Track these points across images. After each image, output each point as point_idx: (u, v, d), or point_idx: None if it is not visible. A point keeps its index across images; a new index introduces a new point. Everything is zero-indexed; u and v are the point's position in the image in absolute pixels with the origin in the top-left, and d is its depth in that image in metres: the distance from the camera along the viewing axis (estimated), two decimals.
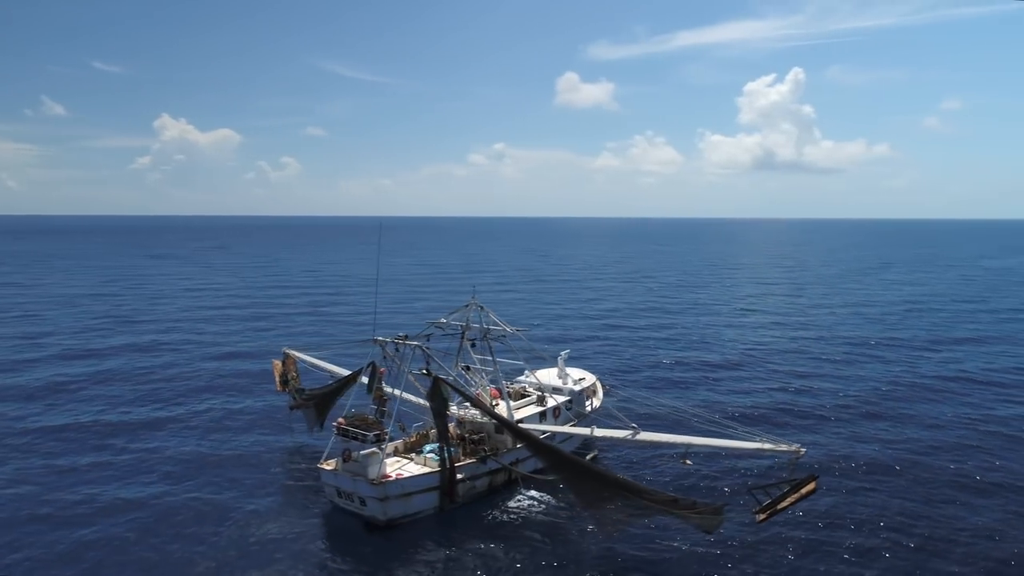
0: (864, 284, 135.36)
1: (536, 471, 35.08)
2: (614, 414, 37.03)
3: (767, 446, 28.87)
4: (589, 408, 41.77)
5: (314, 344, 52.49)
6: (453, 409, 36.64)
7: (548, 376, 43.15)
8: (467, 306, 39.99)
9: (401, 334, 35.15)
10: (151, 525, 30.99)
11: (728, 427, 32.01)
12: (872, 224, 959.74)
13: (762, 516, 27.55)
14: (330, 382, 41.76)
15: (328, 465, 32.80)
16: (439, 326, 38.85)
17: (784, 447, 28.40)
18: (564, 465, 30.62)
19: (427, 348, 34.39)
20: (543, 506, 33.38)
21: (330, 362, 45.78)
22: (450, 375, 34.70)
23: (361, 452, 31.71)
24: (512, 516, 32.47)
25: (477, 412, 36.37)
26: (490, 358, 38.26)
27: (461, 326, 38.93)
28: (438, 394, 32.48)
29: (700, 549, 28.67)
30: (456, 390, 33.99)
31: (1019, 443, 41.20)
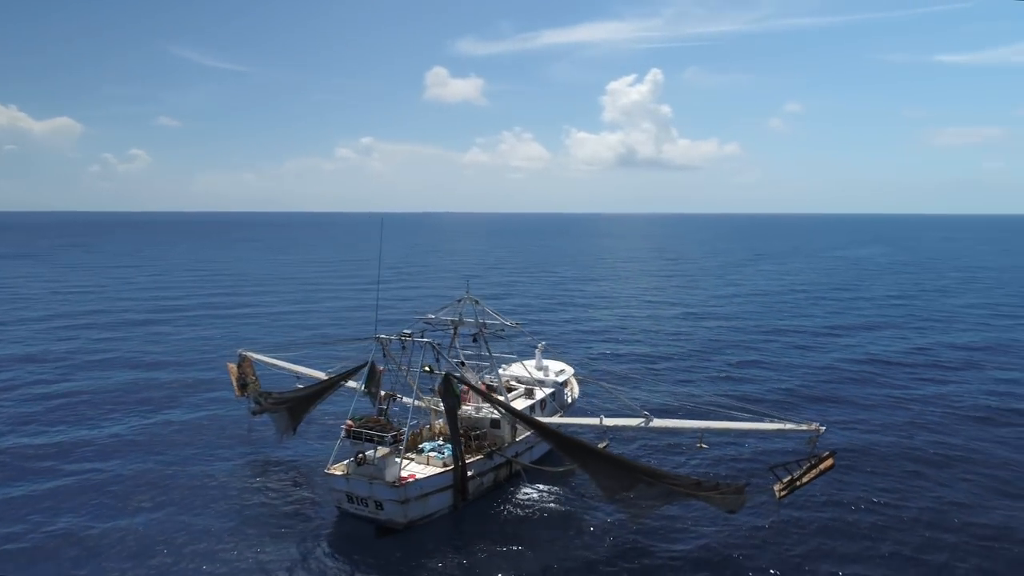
0: (747, 274, 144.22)
1: (536, 461, 35.36)
2: (615, 405, 37.33)
3: (788, 426, 30.00)
4: (568, 400, 41.84)
5: (269, 346, 49.16)
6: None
7: (527, 369, 42.78)
8: (460, 301, 39.01)
9: (407, 331, 34.13)
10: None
11: (715, 412, 33.20)
12: (726, 218, 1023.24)
13: (783, 492, 28.75)
14: (299, 384, 39.87)
15: (337, 470, 31.10)
16: (428, 322, 37.96)
17: (804, 426, 29.61)
18: (588, 456, 30.47)
19: (437, 344, 33.56)
20: (552, 497, 33.36)
21: (293, 362, 43.67)
22: (456, 372, 33.75)
23: (376, 454, 30.42)
24: (522, 510, 32.32)
25: (472, 409, 35.90)
26: (485, 353, 37.70)
27: (453, 321, 37.95)
28: (450, 391, 31.75)
29: (716, 531, 29.40)
30: (469, 386, 33.45)
31: (954, 418, 45.20)
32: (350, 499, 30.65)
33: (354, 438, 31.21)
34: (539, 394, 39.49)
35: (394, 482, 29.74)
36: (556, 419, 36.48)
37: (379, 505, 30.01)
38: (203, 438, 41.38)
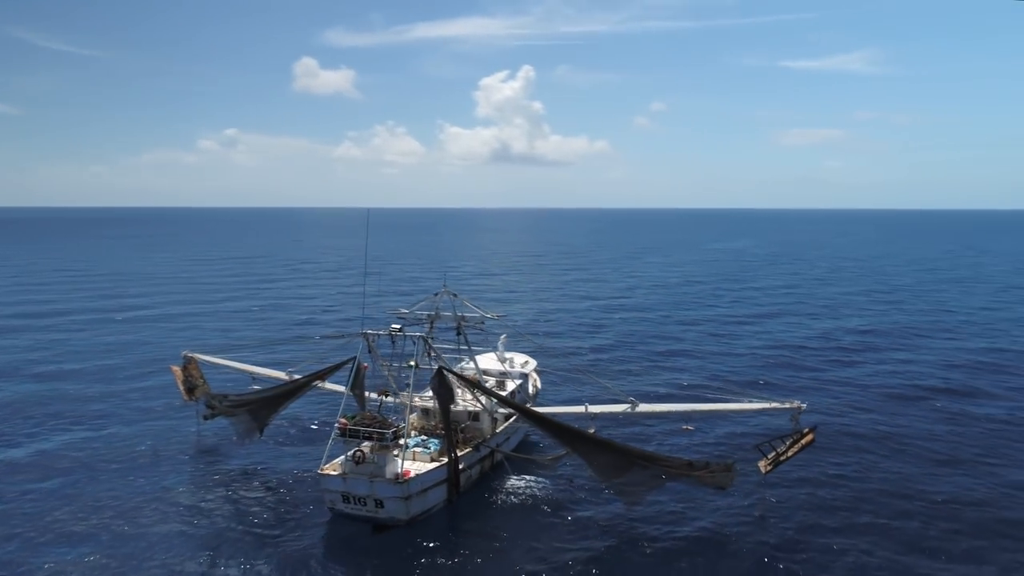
0: (639, 267, 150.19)
1: (519, 451, 36.12)
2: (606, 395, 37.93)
3: (771, 405, 32.05)
4: (532, 391, 42.22)
5: (219, 347, 46.22)
6: (418, 401, 35.70)
7: (489, 361, 42.74)
8: (437, 295, 38.56)
9: (396, 325, 33.37)
10: None
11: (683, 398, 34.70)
12: (599, 213, 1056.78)
13: (769, 467, 30.64)
14: (255, 385, 38.47)
15: (332, 469, 30.14)
16: (403, 316, 37.37)
17: (787, 404, 31.59)
18: (584, 442, 31.04)
19: (430, 339, 33.25)
20: (539, 486, 33.87)
21: (240, 362, 42.02)
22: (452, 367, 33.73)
23: (376, 452, 29.89)
24: (514, 499, 32.71)
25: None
26: (463, 347, 37.65)
27: (430, 315, 37.50)
28: (445, 385, 31.69)
29: (708, 512, 30.66)
30: (464, 379, 33.27)
31: (873, 397, 49.27)
32: (346, 499, 29.81)
33: (351, 436, 30.43)
34: (510, 385, 39.71)
35: (396, 479, 29.20)
36: (544, 409, 36.83)
37: (379, 503, 29.37)
38: (148, 450, 38.27)
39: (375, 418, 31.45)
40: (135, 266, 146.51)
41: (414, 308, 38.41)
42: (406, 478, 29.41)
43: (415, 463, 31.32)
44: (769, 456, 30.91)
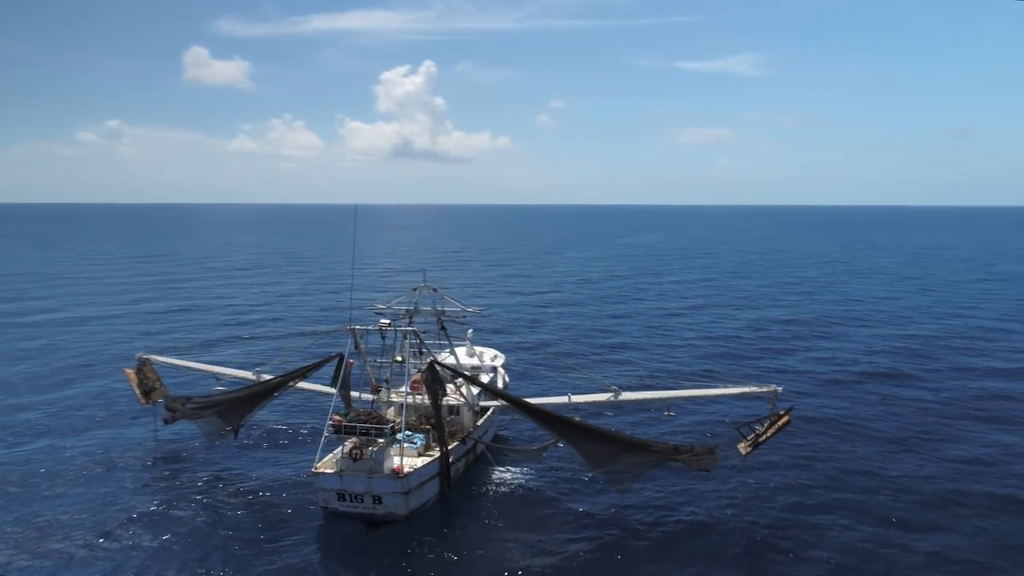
0: (560, 262, 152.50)
1: (501, 442, 36.88)
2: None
3: (749, 389, 33.52)
4: (501, 385, 42.45)
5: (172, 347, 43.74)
6: (395, 397, 35.29)
7: (465, 355, 42.48)
8: (416, 289, 38.21)
9: (385, 320, 33.16)
10: None
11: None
12: (504, 209, 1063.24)
13: (749, 449, 31.95)
14: (219, 386, 37.39)
15: (328, 468, 29.71)
16: (380, 312, 36.98)
17: (765, 388, 33.09)
18: (575, 431, 31.60)
19: (421, 332, 33.14)
20: (526, 476, 34.40)
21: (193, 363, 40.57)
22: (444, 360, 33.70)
23: (374, 448, 29.80)
24: (504, 488, 33.21)
25: (425, 397, 35.15)
26: (443, 341, 37.55)
27: (408, 311, 37.08)
28: (436, 379, 31.63)
29: (694, 497, 31.89)
30: (458, 373, 33.35)
31: (814, 384, 52.17)
32: (341, 497, 29.31)
33: (347, 433, 30.05)
34: (484, 379, 39.73)
35: (396, 474, 29.28)
36: (530, 400, 37.03)
37: (377, 500, 29.15)
38: (101, 460, 35.89)
39: (370, 414, 31.04)
40: (29, 266, 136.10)
41: (391, 303, 37.85)
42: (409, 472, 29.34)
43: (403, 458, 31.07)
44: (748, 438, 32.24)
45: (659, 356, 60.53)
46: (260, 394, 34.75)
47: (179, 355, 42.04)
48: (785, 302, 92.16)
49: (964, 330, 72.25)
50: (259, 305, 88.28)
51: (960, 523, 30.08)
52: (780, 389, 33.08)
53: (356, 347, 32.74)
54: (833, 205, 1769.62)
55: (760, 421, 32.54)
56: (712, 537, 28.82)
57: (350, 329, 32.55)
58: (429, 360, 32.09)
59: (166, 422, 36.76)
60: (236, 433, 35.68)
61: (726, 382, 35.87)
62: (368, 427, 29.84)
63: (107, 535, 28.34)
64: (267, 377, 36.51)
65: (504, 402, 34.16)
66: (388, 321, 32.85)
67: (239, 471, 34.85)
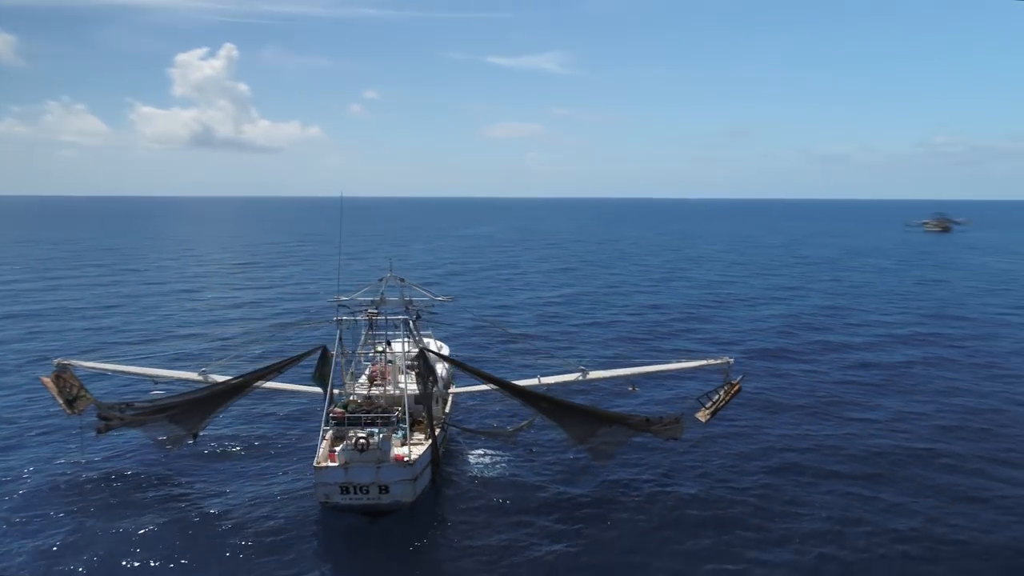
0: (413, 254, 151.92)
1: (476, 427, 38.56)
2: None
3: (706, 362, 36.85)
4: (449, 375, 42.78)
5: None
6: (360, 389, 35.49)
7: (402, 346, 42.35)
8: (382, 279, 38.23)
9: (373, 310, 33.50)
10: None
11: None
12: (317, 201, 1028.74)
13: (708, 416, 35.26)
14: (157, 391, 35.20)
15: (332, 461, 29.52)
16: (344, 304, 36.77)
17: (719, 360, 36.34)
18: (558, 408, 33.25)
19: (414, 320, 33.73)
20: (504, 458, 36.05)
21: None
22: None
23: (380, 437, 29.94)
24: (488, 473, 34.57)
25: (386, 388, 35.67)
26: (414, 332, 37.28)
27: (375, 301, 37.09)
28: (427, 366, 32.18)
29: (679, 470, 34.76)
30: (448, 360, 34.27)
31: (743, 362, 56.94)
32: (344, 490, 29.33)
33: (351, 425, 30.18)
34: (440, 368, 39.91)
35: (406, 461, 29.69)
36: (523, 382, 37.69)
37: (384, 489, 29.41)
38: (27, 482, 32.25)
39: (372, 403, 31.04)
40: None
41: (355, 295, 37.46)
42: (416, 458, 29.94)
43: (406, 447, 31.36)
44: (707, 407, 35.44)
45: (582, 343, 63.16)
46: (223, 394, 33.07)
47: (105, 359, 38.12)
48: (648, 290, 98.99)
49: (805, 309, 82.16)
50: (86, 308, 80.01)
51: (895, 471, 35.36)
52: (732, 360, 36.50)
53: (340, 338, 32.88)
54: (636, 197, 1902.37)
55: (716, 391, 35.82)
56: (690, 504, 31.64)
57: (336, 320, 32.45)
58: (419, 347, 32.64)
59: (98, 432, 33.67)
60: (194, 437, 33.94)
61: (683, 358, 39.10)
62: (375, 416, 30.07)
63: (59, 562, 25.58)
64: (217, 377, 35.02)
65: (494, 386, 34.67)
66: (376, 310, 33.18)
67: (189, 476, 33.42)
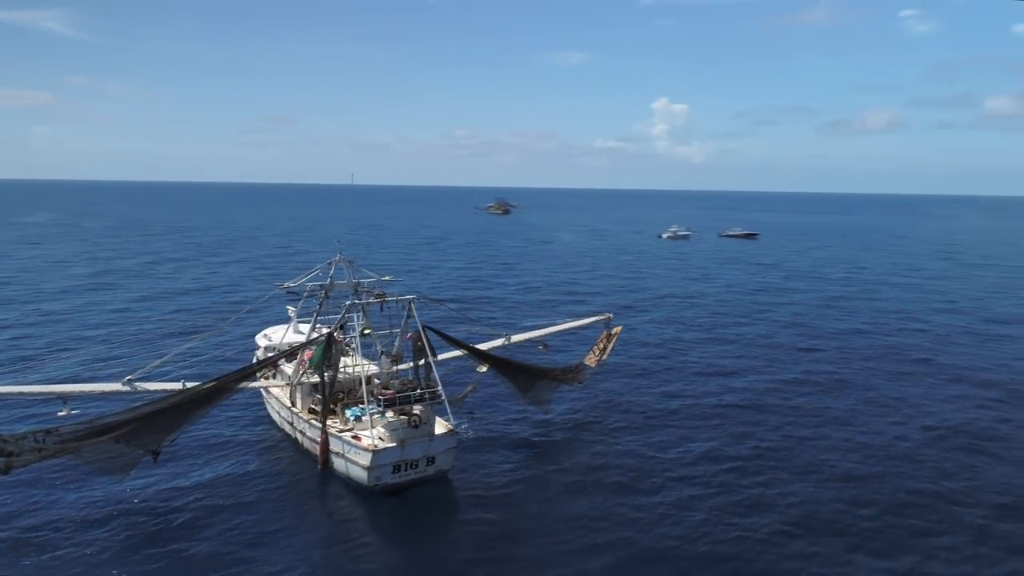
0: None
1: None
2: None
3: (593, 319, 44.67)
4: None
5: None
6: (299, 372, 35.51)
7: (283, 334, 41.44)
8: (330, 263, 37.37)
9: (378, 291, 34.16)
10: None
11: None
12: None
13: (595, 361, 41.79)
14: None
15: (386, 442, 30.37)
16: (291, 290, 37.76)
17: (601, 317, 43.98)
18: (509, 367, 37.74)
19: (415, 299, 34.13)
20: (456, 424, 35.98)
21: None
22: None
23: (422, 412, 31.78)
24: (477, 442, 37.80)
25: (345, 371, 35.24)
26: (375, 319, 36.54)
27: (324, 286, 37.11)
28: (428, 345, 32.96)
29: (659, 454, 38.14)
30: (445, 337, 34.81)
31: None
32: (396, 469, 30.27)
33: (401, 404, 30.80)
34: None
35: (450, 431, 32.13)
36: (489, 344, 41.03)
37: (431, 460, 31.17)
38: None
39: (408, 382, 32.39)
40: None
41: (301, 280, 37.74)
42: (455, 428, 33.03)
43: (376, 429, 31.33)
44: (596, 352, 42.16)
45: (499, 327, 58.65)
46: (195, 401, 29.21)
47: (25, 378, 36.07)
48: (527, 273, 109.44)
49: (646, 290, 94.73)
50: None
51: (831, 432, 40.87)
52: (611, 315, 44.69)
53: (343, 325, 33.30)
54: (177, 181, 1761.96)
55: (600, 341, 43.03)
56: (604, 433, 38.99)
57: (350, 304, 33.09)
58: (418, 328, 33.32)
59: (6, 470, 26.60)
60: (156, 456, 29.02)
61: (575, 317, 46.49)
62: (423, 393, 31.21)
63: None
64: (147, 386, 30.90)
65: (465, 351, 36.92)
66: (382, 292, 34.23)
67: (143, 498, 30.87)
